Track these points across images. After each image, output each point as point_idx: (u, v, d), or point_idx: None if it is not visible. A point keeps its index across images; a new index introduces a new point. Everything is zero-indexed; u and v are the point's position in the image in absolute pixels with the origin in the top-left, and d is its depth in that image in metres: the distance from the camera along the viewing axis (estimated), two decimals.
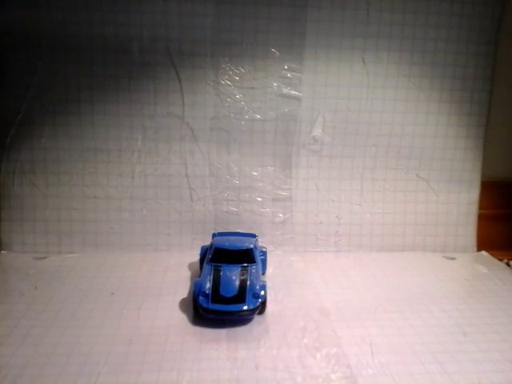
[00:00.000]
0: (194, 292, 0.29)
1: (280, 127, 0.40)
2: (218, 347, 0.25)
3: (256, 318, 0.28)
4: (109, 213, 0.40)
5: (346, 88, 0.40)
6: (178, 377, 0.22)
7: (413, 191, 0.42)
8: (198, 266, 0.36)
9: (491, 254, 0.42)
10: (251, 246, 0.33)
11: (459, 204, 0.43)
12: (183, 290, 0.33)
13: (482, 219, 0.43)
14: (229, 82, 0.39)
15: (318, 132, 0.41)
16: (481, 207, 0.43)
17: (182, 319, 0.28)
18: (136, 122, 0.39)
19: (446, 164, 0.42)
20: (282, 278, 0.35)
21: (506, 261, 0.41)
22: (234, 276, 0.30)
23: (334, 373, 0.23)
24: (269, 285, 0.32)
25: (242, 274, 0.30)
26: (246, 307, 0.28)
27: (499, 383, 0.23)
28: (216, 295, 0.28)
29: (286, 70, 0.40)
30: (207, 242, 0.36)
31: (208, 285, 0.29)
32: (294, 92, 0.40)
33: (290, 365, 0.23)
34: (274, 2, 0.38)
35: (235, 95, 0.40)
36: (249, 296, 0.28)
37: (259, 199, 0.41)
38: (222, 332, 0.27)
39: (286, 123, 0.40)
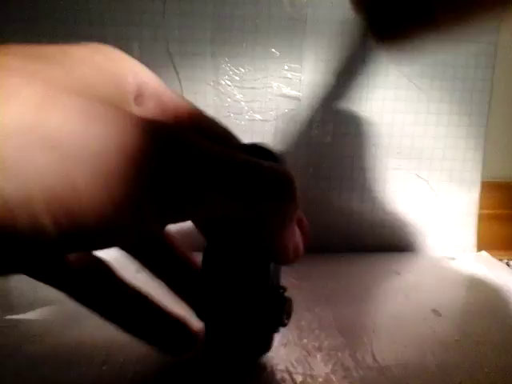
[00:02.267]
0: None
1: (280, 127, 0.41)
2: None
3: None
4: None
5: (346, 88, 0.40)
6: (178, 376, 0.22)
7: (413, 191, 0.42)
8: None
9: (491, 254, 0.42)
10: None
11: (459, 204, 0.43)
12: None
13: (482, 219, 0.44)
14: (229, 82, 0.39)
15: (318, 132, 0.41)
16: (481, 207, 0.43)
17: None
18: None
19: (446, 164, 0.42)
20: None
21: (506, 261, 0.41)
22: None
23: (333, 373, 0.23)
24: None
25: None
26: None
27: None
28: None
29: (286, 70, 0.40)
30: None
31: None
32: (294, 92, 0.40)
33: (290, 365, 0.23)
34: (274, 1, 0.38)
35: (235, 95, 0.40)
36: None
37: None
38: None
39: (285, 123, 0.40)
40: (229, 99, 0.40)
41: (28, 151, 0.11)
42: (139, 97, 0.17)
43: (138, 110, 0.17)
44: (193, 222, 0.18)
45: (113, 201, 0.12)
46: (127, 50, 0.18)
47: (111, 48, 0.18)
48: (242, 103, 0.40)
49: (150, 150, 0.13)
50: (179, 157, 0.13)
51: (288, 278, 0.35)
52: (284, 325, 0.20)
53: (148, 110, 0.18)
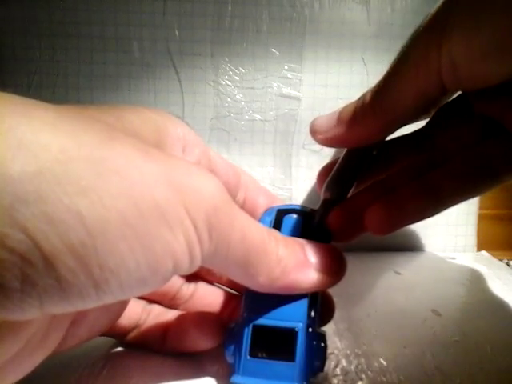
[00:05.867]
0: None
1: (280, 127, 0.40)
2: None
3: None
4: None
5: (346, 88, 0.40)
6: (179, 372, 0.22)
7: None
8: None
9: (491, 254, 0.42)
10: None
11: (459, 204, 0.43)
12: None
13: (482, 219, 0.44)
14: (229, 82, 0.39)
15: None
16: (481, 207, 0.43)
17: None
18: None
19: None
20: None
21: (506, 261, 0.41)
22: None
23: (334, 374, 0.23)
24: None
25: None
26: None
27: None
28: None
29: (286, 70, 0.40)
30: None
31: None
32: (294, 92, 0.40)
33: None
34: (274, 2, 0.38)
35: (235, 95, 0.40)
36: None
37: None
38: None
39: (286, 123, 0.40)
40: (229, 99, 0.40)
41: (101, 179, 0.11)
42: (186, 147, 0.19)
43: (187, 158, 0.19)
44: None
45: (173, 232, 0.13)
46: (127, 50, 0.18)
47: (157, 109, 0.19)
48: (242, 103, 0.40)
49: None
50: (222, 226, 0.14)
51: None
52: (322, 370, 0.19)
53: (194, 155, 0.19)
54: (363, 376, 0.23)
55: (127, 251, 0.12)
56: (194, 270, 0.15)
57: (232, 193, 0.22)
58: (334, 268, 0.20)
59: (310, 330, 0.19)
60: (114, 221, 0.11)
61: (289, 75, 0.40)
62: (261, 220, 0.22)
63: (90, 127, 0.12)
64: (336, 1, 0.39)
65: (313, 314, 0.19)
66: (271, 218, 0.22)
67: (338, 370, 0.23)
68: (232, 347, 0.19)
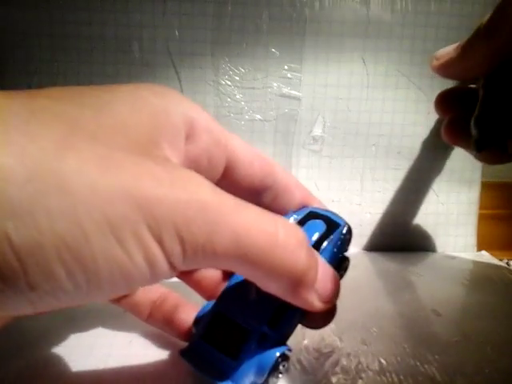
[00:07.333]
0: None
1: (280, 127, 0.40)
2: None
3: None
4: None
5: (346, 88, 0.40)
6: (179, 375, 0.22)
7: (413, 191, 0.42)
8: None
9: (491, 254, 0.42)
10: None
11: (459, 204, 0.43)
12: None
13: (482, 219, 0.44)
14: (229, 82, 0.39)
15: (318, 132, 0.41)
16: (481, 207, 0.43)
17: None
18: None
19: (446, 164, 0.42)
20: None
21: (506, 261, 0.41)
22: None
23: (333, 374, 0.23)
24: None
25: None
26: None
27: None
28: None
29: (286, 70, 0.40)
30: None
31: None
32: (294, 92, 0.40)
33: (290, 365, 0.23)
34: (274, 2, 0.38)
35: (235, 95, 0.40)
36: None
37: None
38: None
39: (286, 123, 0.40)
40: (229, 99, 0.40)
41: (41, 198, 0.11)
42: (191, 134, 0.17)
43: (189, 149, 0.17)
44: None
45: (126, 252, 0.12)
46: (127, 50, 0.18)
47: (161, 87, 0.17)
48: (242, 103, 0.40)
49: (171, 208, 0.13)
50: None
51: None
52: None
53: (202, 143, 0.18)
54: (363, 375, 0.23)
55: (64, 275, 0.11)
56: (169, 277, 0.14)
57: (258, 187, 0.20)
58: (330, 299, 0.19)
59: (268, 337, 0.18)
60: (50, 245, 0.11)
61: (289, 75, 0.40)
62: (286, 216, 0.22)
63: (47, 131, 0.11)
64: (336, 1, 0.39)
65: (282, 322, 0.19)
66: (299, 217, 0.22)
67: (337, 369, 0.23)
68: (198, 322, 0.20)
